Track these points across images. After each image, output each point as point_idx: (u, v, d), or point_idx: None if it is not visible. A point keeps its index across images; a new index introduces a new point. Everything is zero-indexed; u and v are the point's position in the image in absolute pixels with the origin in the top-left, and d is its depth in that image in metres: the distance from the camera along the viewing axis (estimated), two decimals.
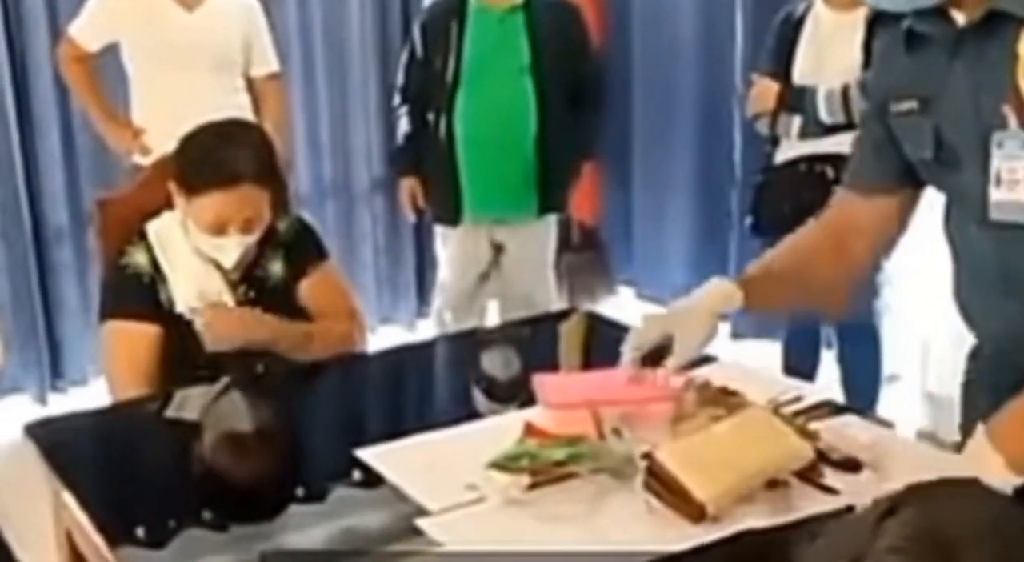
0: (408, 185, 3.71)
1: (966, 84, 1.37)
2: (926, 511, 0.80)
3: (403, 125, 3.65)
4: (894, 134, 1.51)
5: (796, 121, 3.26)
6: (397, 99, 3.70)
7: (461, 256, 3.71)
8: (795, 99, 3.24)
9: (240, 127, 2.26)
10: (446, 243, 3.75)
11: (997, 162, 1.34)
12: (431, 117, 3.56)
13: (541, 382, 1.67)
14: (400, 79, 3.68)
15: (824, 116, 3.17)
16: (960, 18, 1.37)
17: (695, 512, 1.33)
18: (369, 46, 4.50)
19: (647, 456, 1.42)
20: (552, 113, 3.51)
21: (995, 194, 1.35)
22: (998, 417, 1.32)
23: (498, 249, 3.74)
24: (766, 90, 3.30)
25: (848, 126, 3.13)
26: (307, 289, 2.22)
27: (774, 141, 3.35)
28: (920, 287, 3.31)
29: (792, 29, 3.33)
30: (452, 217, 3.63)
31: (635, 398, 1.55)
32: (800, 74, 3.28)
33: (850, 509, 1.32)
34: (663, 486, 1.36)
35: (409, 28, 4.27)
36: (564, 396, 1.60)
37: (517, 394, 1.48)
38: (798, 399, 1.61)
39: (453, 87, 3.49)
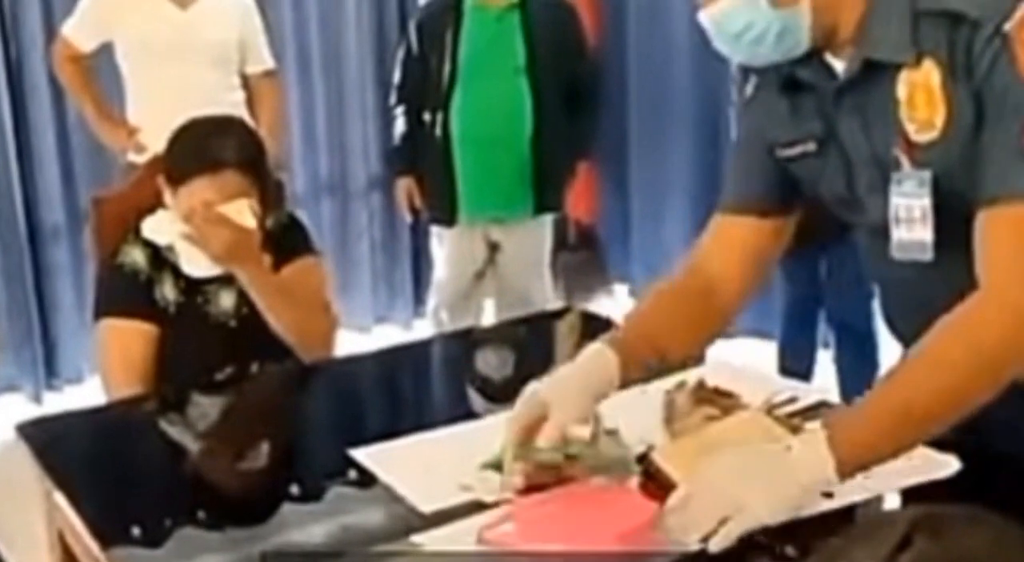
0: (405, 185, 3.71)
1: (857, 127, 1.38)
2: (941, 544, 0.81)
3: (399, 125, 3.66)
4: (790, 174, 1.49)
5: None
6: (393, 98, 3.70)
7: (457, 255, 3.71)
8: None
9: (226, 119, 2.26)
10: (442, 242, 3.75)
11: (896, 200, 1.34)
12: (427, 116, 3.56)
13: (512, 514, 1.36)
14: (396, 77, 3.68)
15: None
16: (837, 64, 1.38)
17: None
18: (366, 43, 4.50)
19: (642, 457, 1.41)
20: (548, 113, 3.51)
21: (896, 233, 1.36)
22: (838, 417, 1.31)
23: (494, 248, 3.74)
24: None
25: None
26: (286, 274, 2.19)
27: None
28: None
29: None
30: (448, 217, 3.64)
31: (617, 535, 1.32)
32: None
33: (848, 510, 1.32)
34: (659, 488, 1.36)
35: (406, 25, 4.27)
36: (536, 535, 1.32)
37: (513, 393, 1.47)
38: (793, 400, 1.60)
39: (449, 86, 3.49)
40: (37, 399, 4.00)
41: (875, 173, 1.38)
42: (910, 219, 1.33)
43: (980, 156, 1.27)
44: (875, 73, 1.34)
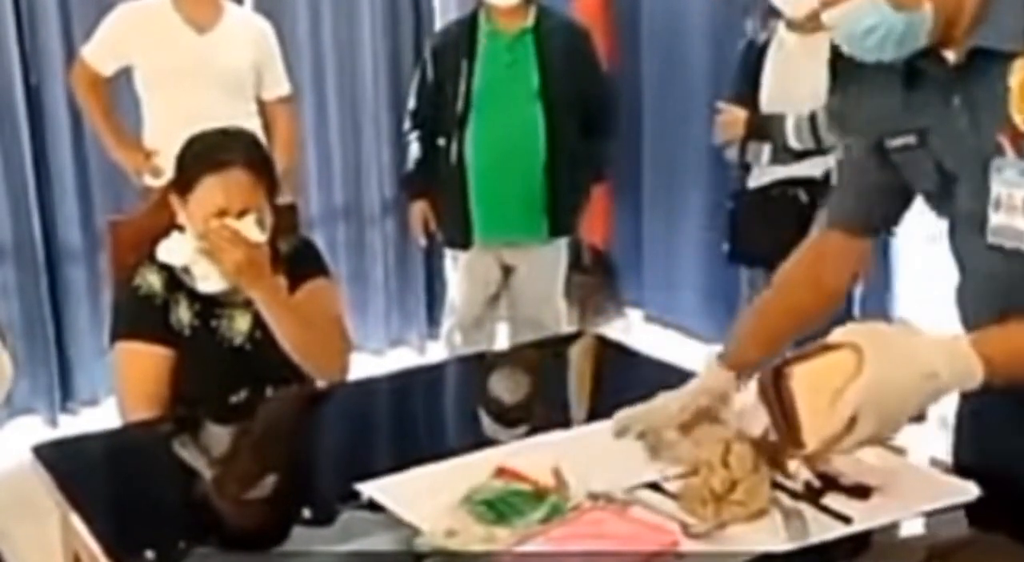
0: (419, 209, 3.73)
1: (964, 117, 1.40)
2: None
3: (414, 150, 3.68)
4: (894, 167, 1.53)
5: (766, 148, 3.27)
6: (408, 124, 3.72)
7: (471, 278, 3.72)
8: (763, 127, 3.25)
9: (231, 128, 2.29)
10: (456, 265, 3.76)
11: (997, 187, 1.37)
12: (442, 142, 3.58)
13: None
14: (412, 103, 3.70)
15: (793, 143, 3.18)
16: (951, 55, 1.41)
17: (793, 446, 1.34)
18: (381, 68, 4.52)
19: (777, 371, 1.36)
20: (562, 137, 3.53)
21: (994, 218, 1.38)
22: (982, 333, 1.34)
23: (508, 271, 3.75)
24: (733, 118, 3.31)
25: (818, 151, 3.15)
26: (300, 297, 2.19)
27: (744, 167, 3.36)
28: (934, 312, 3.30)
29: (756, 55, 3.34)
30: (463, 240, 3.65)
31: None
32: (768, 101, 3.29)
33: (866, 536, 1.31)
34: (779, 406, 1.33)
35: (421, 51, 4.29)
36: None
37: (525, 418, 1.47)
38: None
39: (464, 112, 3.51)
40: (52, 422, 4.00)
41: (974, 161, 1.40)
42: (1011, 206, 1.36)
43: None
44: (988, 62, 1.36)
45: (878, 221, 1.64)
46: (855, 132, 1.60)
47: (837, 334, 1.32)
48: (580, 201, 3.75)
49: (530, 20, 3.51)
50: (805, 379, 1.32)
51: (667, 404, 1.57)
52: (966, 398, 1.55)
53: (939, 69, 1.42)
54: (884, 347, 1.27)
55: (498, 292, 3.78)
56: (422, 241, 3.87)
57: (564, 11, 3.98)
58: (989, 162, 1.37)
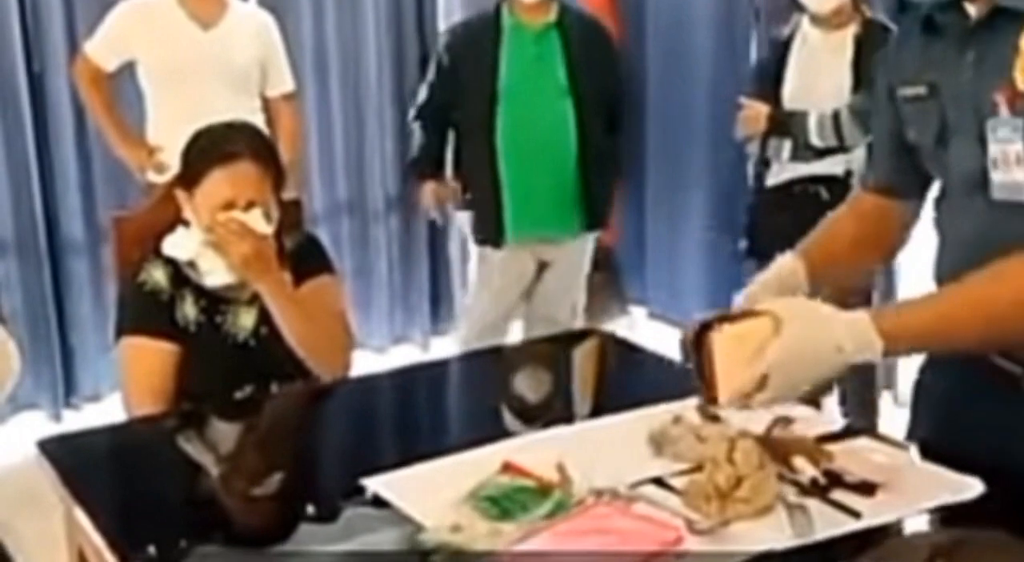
0: (431, 188, 3.70)
1: (971, 73, 1.44)
2: None
3: (418, 137, 3.67)
4: (901, 119, 1.58)
5: (787, 144, 3.25)
6: (413, 113, 3.70)
7: (505, 276, 3.69)
8: (785, 123, 3.24)
9: (236, 121, 2.29)
10: (487, 263, 3.71)
11: (992, 146, 1.41)
12: (465, 136, 3.57)
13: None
14: (423, 96, 3.67)
15: (815, 140, 3.17)
16: (973, 10, 1.45)
17: (707, 399, 1.42)
18: (384, 64, 4.52)
19: (702, 327, 1.41)
20: (591, 131, 3.54)
21: (994, 175, 1.43)
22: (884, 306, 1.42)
23: (542, 267, 3.74)
24: (755, 113, 3.30)
25: (840, 149, 3.13)
26: (304, 292, 2.19)
27: (765, 163, 3.35)
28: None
29: (780, 50, 3.32)
30: (496, 238, 3.61)
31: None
32: (790, 97, 3.28)
33: (871, 533, 1.31)
34: (698, 359, 1.40)
35: (425, 46, 4.30)
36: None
37: (529, 414, 1.47)
38: (788, 420, 1.59)
39: (491, 106, 3.49)
40: (56, 417, 4.01)
41: (972, 119, 1.44)
42: (1007, 162, 1.40)
43: None
44: (1006, 21, 1.39)
45: (899, 181, 1.66)
46: (878, 81, 1.65)
47: (761, 304, 1.43)
48: (610, 195, 3.76)
49: (553, 15, 3.52)
50: (726, 338, 1.39)
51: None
52: (920, 373, 1.65)
53: (959, 24, 1.46)
54: (800, 318, 1.36)
55: (530, 289, 3.78)
56: (440, 220, 3.84)
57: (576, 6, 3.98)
58: (984, 121, 1.41)
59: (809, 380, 1.37)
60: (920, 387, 1.68)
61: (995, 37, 1.40)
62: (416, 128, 3.67)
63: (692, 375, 1.42)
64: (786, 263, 1.63)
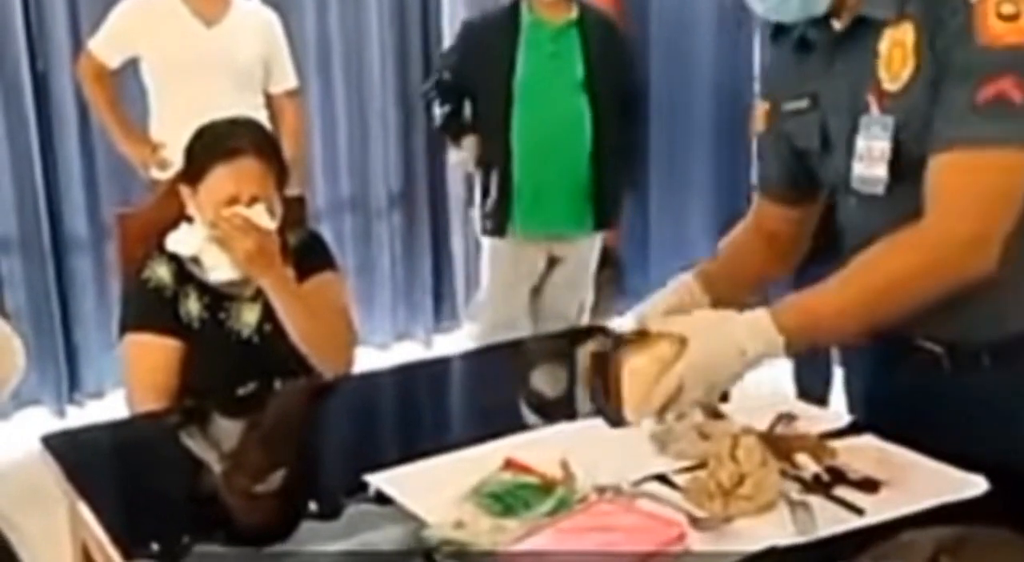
0: (471, 141, 3.65)
1: (843, 79, 1.56)
2: None
3: (438, 106, 3.66)
4: (787, 132, 1.69)
5: None
6: (431, 85, 3.70)
7: (516, 271, 3.70)
8: None
9: (239, 117, 2.29)
10: (498, 258, 3.72)
11: (861, 141, 1.53)
12: (484, 130, 3.59)
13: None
14: (445, 74, 3.64)
15: None
16: (838, 24, 1.58)
17: (612, 420, 1.46)
18: (388, 61, 4.52)
19: (605, 355, 1.46)
20: (606, 129, 3.55)
21: (856, 167, 1.54)
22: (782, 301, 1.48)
23: (552, 264, 3.75)
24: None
25: None
26: (307, 289, 2.20)
27: None
28: None
29: None
30: (498, 228, 3.63)
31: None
32: None
33: (874, 530, 1.31)
34: (604, 383, 1.45)
35: (428, 44, 4.31)
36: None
37: (533, 411, 1.47)
38: (792, 417, 1.59)
39: (507, 102, 3.50)
40: (60, 413, 4.02)
41: (849, 121, 1.55)
42: (871, 157, 1.52)
43: (937, 110, 1.43)
44: (865, 30, 1.52)
45: (789, 188, 1.76)
46: (764, 99, 1.78)
47: (665, 323, 1.49)
48: (622, 194, 3.78)
49: (574, 13, 3.54)
50: (633, 358, 1.44)
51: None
52: (846, 355, 1.78)
53: (825, 37, 1.59)
54: (702, 331, 1.43)
55: (540, 285, 3.78)
56: (478, 174, 3.73)
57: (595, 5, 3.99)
58: (858, 119, 1.53)
59: (720, 386, 1.45)
60: (849, 369, 1.79)
61: (857, 44, 1.53)
62: (434, 97, 3.67)
63: (593, 398, 1.48)
64: (680, 283, 1.72)
